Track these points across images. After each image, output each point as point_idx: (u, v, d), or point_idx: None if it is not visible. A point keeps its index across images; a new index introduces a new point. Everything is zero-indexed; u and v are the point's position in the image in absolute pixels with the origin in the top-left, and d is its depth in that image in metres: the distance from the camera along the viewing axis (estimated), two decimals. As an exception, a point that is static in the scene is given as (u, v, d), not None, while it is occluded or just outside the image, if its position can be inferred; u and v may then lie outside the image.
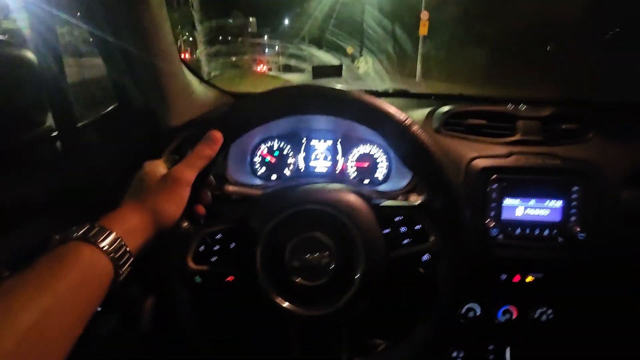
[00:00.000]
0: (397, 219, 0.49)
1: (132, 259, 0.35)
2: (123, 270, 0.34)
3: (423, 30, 8.26)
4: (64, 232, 0.33)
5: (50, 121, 0.64)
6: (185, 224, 0.44)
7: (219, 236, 0.48)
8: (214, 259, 0.48)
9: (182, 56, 0.78)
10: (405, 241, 0.49)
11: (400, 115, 0.43)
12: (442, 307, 0.47)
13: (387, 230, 0.48)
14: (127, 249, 0.35)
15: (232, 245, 0.48)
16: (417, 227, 0.48)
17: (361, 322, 0.49)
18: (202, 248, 0.48)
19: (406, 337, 0.47)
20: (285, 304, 0.45)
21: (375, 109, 0.43)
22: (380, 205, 0.48)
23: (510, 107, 0.73)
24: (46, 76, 0.60)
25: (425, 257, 0.47)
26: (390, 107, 0.43)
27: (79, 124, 0.67)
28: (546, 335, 0.80)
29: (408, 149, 0.44)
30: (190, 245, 0.46)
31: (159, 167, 0.42)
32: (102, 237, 0.33)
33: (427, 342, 0.46)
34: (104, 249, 0.33)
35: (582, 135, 0.73)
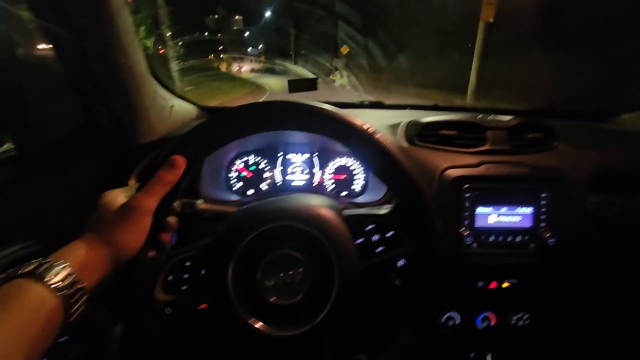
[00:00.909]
0: (368, 227, 0.49)
1: (86, 296, 0.33)
2: (76, 307, 0.32)
3: (487, 14, 4.54)
4: (12, 268, 0.31)
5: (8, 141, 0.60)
6: (152, 254, 0.42)
7: (188, 263, 0.46)
8: (184, 287, 0.46)
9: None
10: (379, 249, 0.48)
11: (361, 124, 0.43)
12: (420, 309, 0.46)
13: (360, 240, 0.48)
14: (81, 286, 0.33)
15: (203, 271, 0.46)
16: (390, 233, 0.48)
17: (341, 337, 0.48)
18: (170, 277, 0.46)
19: (387, 344, 0.46)
20: (262, 326, 0.43)
21: (336, 119, 0.42)
22: (351, 215, 0.48)
23: (479, 117, 0.75)
24: (2, 92, 0.58)
25: (401, 262, 0.47)
26: (351, 116, 0.43)
27: (41, 143, 0.64)
28: (525, 340, 0.81)
29: (373, 157, 0.44)
30: (158, 275, 0.43)
31: (118, 196, 0.40)
32: (52, 273, 0.31)
33: (408, 346, 0.46)
34: (54, 286, 0.30)
35: (548, 143, 0.76)
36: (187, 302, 0.45)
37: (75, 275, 0.32)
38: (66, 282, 0.31)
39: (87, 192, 0.67)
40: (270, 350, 0.46)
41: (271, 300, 0.43)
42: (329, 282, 0.44)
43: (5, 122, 0.60)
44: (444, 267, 0.46)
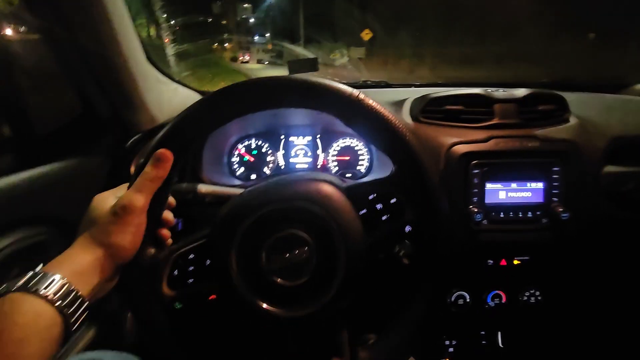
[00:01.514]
0: (370, 197, 0.47)
1: (86, 304, 0.33)
2: (76, 316, 0.31)
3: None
4: (8, 282, 0.31)
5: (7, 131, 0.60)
6: (152, 251, 0.41)
7: (191, 256, 0.45)
8: (190, 280, 0.45)
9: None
10: (384, 217, 0.47)
11: (347, 89, 0.41)
12: (430, 279, 0.45)
13: (363, 211, 0.47)
14: (79, 294, 0.32)
15: (207, 262, 0.45)
16: (393, 200, 0.47)
17: (351, 317, 0.47)
18: (176, 272, 0.45)
19: (397, 319, 0.45)
20: (271, 309, 0.42)
21: (321, 88, 0.40)
22: (351, 186, 0.47)
23: (486, 91, 0.72)
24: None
25: (408, 228, 0.46)
26: (335, 83, 0.41)
27: (39, 133, 0.63)
28: (536, 317, 0.80)
29: (364, 122, 0.42)
30: (162, 271, 0.42)
31: (109, 197, 0.39)
32: (46, 285, 0.30)
33: (419, 320, 0.45)
34: (49, 297, 0.30)
35: (559, 115, 0.73)
36: (196, 295, 0.44)
37: (71, 284, 0.31)
38: (62, 293, 0.31)
39: (88, 181, 0.67)
40: (283, 332, 0.45)
41: (278, 282, 0.42)
42: (336, 258, 0.43)
43: (2, 112, 0.59)
44: (451, 239, 0.45)
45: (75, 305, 0.31)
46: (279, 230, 0.43)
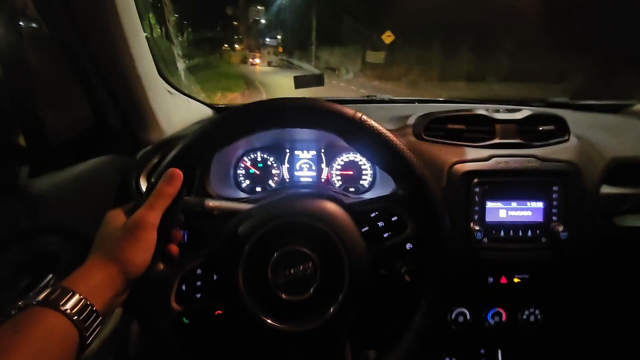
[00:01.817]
0: (372, 214, 0.49)
1: (100, 318, 0.34)
2: (91, 330, 0.33)
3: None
4: (28, 297, 0.33)
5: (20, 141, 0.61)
6: (161, 267, 0.42)
7: (199, 271, 0.47)
8: (198, 295, 0.47)
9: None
10: (386, 234, 0.49)
11: (349, 111, 0.43)
12: (433, 292, 0.46)
13: (365, 228, 0.48)
14: (94, 309, 0.34)
15: (215, 277, 0.47)
16: (394, 218, 0.48)
17: (353, 333, 0.48)
18: (184, 287, 0.46)
19: (402, 331, 0.46)
20: (277, 324, 0.43)
21: (323, 111, 0.43)
22: (353, 203, 0.48)
23: (488, 110, 0.74)
24: (14, 93, 0.58)
25: (409, 245, 0.47)
26: (337, 106, 0.43)
27: (52, 143, 0.65)
28: (536, 336, 0.80)
29: (365, 142, 0.44)
30: (171, 287, 0.44)
31: (121, 214, 0.41)
32: (64, 300, 0.32)
33: (424, 329, 0.46)
34: (67, 312, 0.31)
35: (559, 135, 0.74)
36: (203, 310, 0.45)
37: (87, 299, 0.33)
38: (78, 307, 0.32)
39: (98, 192, 0.69)
40: (287, 347, 0.46)
41: (284, 297, 0.43)
42: (340, 273, 0.44)
43: (17, 121, 0.61)
44: (454, 256, 0.46)
45: (91, 319, 0.33)
46: (284, 245, 0.44)
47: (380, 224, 0.49)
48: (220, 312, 0.45)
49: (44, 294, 0.32)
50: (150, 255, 0.39)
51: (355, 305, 0.45)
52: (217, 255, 0.45)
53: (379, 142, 0.43)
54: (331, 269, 0.44)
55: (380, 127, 0.43)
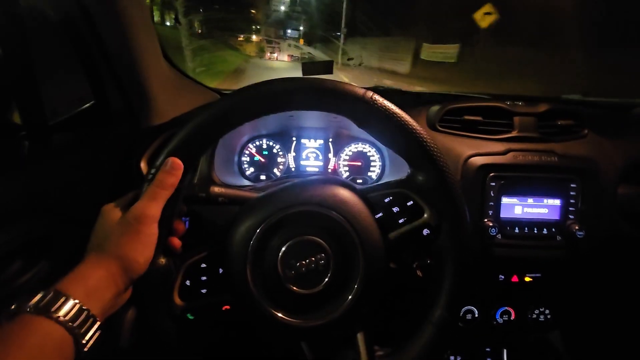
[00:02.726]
0: (386, 200, 0.46)
1: (98, 323, 0.32)
2: (88, 336, 0.30)
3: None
4: (18, 302, 0.30)
5: (17, 119, 0.58)
6: (163, 261, 0.40)
7: (203, 265, 0.44)
8: (204, 290, 0.44)
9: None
10: (401, 220, 0.46)
11: (360, 90, 0.39)
12: (452, 282, 0.43)
13: (379, 215, 0.45)
14: (90, 313, 0.31)
15: (220, 271, 0.44)
16: (409, 203, 0.46)
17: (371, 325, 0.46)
18: (188, 282, 0.43)
19: (421, 322, 0.44)
20: (290, 319, 0.41)
21: (332, 89, 0.39)
22: (366, 189, 0.46)
23: (506, 103, 0.71)
24: (13, 69, 0.55)
25: (426, 231, 0.44)
26: (346, 84, 0.40)
27: (50, 123, 0.61)
28: (543, 336, 0.78)
29: (378, 124, 0.41)
30: (174, 281, 0.41)
31: (117, 208, 0.38)
32: (57, 305, 0.29)
33: (443, 321, 0.43)
34: (60, 319, 0.29)
35: (578, 131, 0.72)
36: (209, 306, 0.43)
37: (82, 304, 0.30)
38: (73, 314, 0.30)
39: (96, 174, 0.66)
40: (299, 342, 0.44)
41: (295, 290, 0.41)
42: (354, 263, 0.41)
43: (14, 98, 0.58)
44: (472, 244, 0.44)
45: (87, 325, 0.30)
46: (294, 236, 0.42)
47: (395, 209, 0.46)
48: (228, 307, 0.43)
49: (36, 299, 0.29)
50: (152, 250, 0.37)
51: (371, 296, 0.43)
52: (222, 248, 0.43)
53: (393, 124, 0.40)
54: (345, 258, 0.42)
55: (394, 108, 0.40)
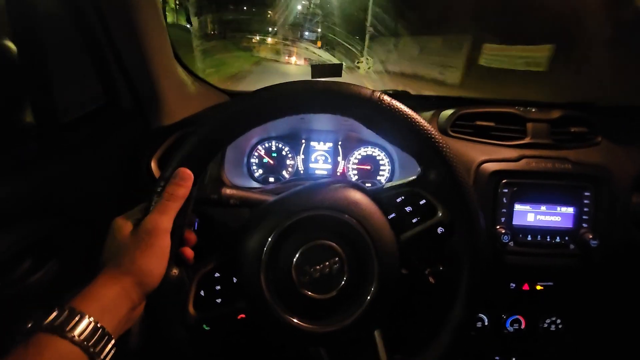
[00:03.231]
0: (398, 199, 0.46)
1: (113, 340, 0.31)
2: (104, 354, 0.30)
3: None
4: (34, 320, 0.29)
5: (30, 118, 0.58)
6: (175, 272, 0.39)
7: (217, 275, 0.43)
8: (219, 300, 0.44)
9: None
10: (415, 220, 0.46)
11: (367, 91, 0.39)
12: (469, 280, 0.43)
13: (392, 215, 0.45)
14: (105, 331, 0.31)
15: (234, 280, 0.44)
16: (422, 202, 0.45)
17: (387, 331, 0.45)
18: (202, 292, 0.43)
19: (440, 325, 0.43)
20: (303, 324, 0.40)
21: (339, 91, 0.39)
22: (378, 190, 0.45)
23: (519, 109, 0.70)
24: (27, 68, 0.55)
25: (440, 230, 0.44)
26: (354, 86, 0.39)
27: (62, 122, 0.61)
28: (554, 345, 0.77)
29: (387, 125, 0.40)
30: (188, 292, 0.41)
31: (128, 222, 0.38)
32: (72, 324, 0.29)
33: (463, 322, 0.42)
34: (74, 339, 0.28)
35: (591, 138, 0.71)
36: (225, 316, 0.42)
37: (97, 322, 0.30)
38: (88, 332, 0.29)
39: (106, 174, 0.65)
40: (315, 347, 0.43)
41: (310, 295, 0.40)
42: (368, 266, 0.41)
43: (28, 99, 0.58)
44: (488, 244, 0.43)
45: (102, 343, 0.30)
46: (307, 241, 0.41)
47: (408, 208, 0.46)
48: (243, 315, 0.42)
49: (51, 317, 0.29)
50: (165, 263, 0.37)
51: (386, 300, 0.42)
52: (235, 257, 0.42)
53: (401, 123, 0.39)
54: (359, 262, 0.41)
55: (404, 108, 0.39)
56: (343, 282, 0.40)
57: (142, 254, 0.35)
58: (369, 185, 0.84)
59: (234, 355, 0.57)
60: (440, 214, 0.44)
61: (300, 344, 0.43)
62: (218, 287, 0.43)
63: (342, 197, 0.43)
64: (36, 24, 0.55)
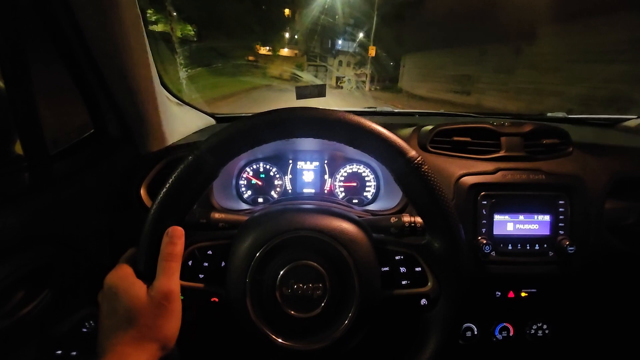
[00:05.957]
0: (397, 257, 0.47)
1: None
2: None
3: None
4: None
5: (18, 150, 0.59)
6: None
7: (209, 252, 0.46)
8: (201, 276, 0.45)
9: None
10: (404, 282, 0.47)
11: (411, 152, 0.41)
12: (436, 343, 0.45)
13: (385, 268, 0.46)
14: None
15: (222, 264, 0.45)
16: (418, 269, 0.46)
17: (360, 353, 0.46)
18: (190, 262, 0.45)
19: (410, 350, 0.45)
20: (285, 343, 0.42)
21: (386, 140, 0.41)
22: (381, 240, 0.47)
23: (493, 123, 0.74)
24: (15, 101, 0.56)
25: (424, 301, 0.45)
26: (400, 141, 0.42)
27: (51, 153, 0.62)
28: (543, 350, 0.79)
29: (416, 188, 0.43)
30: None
31: (135, 284, 0.39)
32: None
33: (438, 349, 0.44)
34: None
35: (563, 149, 0.74)
36: (202, 293, 0.44)
37: None
38: None
39: (97, 201, 0.66)
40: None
41: (287, 310, 0.42)
42: (347, 303, 0.42)
43: (15, 128, 0.59)
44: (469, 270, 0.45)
45: None
46: (298, 258, 0.43)
47: (402, 269, 0.47)
48: (216, 299, 0.44)
49: None
50: (180, 321, 0.40)
51: (360, 334, 0.44)
52: (230, 250, 0.45)
53: (427, 191, 0.42)
54: (341, 296, 0.43)
55: (435, 178, 0.42)
56: (321, 308, 0.42)
57: (164, 321, 0.38)
58: (355, 201, 0.87)
59: (201, 336, 0.58)
60: (429, 286, 0.45)
61: (266, 350, 0.44)
62: (206, 264, 0.45)
63: (345, 231, 0.44)
64: (22, 55, 0.56)
